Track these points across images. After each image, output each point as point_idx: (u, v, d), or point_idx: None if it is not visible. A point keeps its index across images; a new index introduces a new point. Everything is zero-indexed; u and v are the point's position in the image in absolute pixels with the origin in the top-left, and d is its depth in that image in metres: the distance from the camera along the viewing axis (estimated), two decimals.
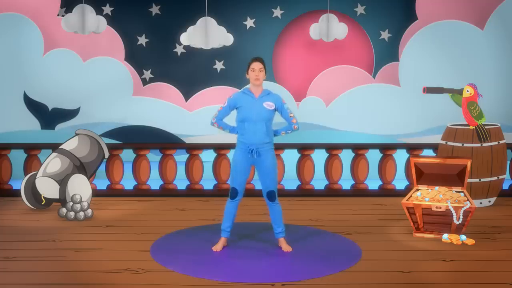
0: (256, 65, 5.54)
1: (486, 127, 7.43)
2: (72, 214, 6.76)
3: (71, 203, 6.77)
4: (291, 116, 5.62)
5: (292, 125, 5.64)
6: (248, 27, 9.73)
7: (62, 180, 6.96)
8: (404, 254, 5.57)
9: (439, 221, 6.07)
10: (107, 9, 9.60)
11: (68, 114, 9.70)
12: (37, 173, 7.19)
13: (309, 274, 4.98)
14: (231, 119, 5.76)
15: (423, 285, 4.79)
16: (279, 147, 7.59)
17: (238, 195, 5.62)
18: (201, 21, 8.22)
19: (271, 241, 5.81)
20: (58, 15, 9.53)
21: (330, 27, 8.49)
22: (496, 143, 7.39)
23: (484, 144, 7.31)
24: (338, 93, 9.75)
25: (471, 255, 5.53)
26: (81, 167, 7.21)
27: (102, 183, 8.13)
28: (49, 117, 9.69)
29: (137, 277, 4.93)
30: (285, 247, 5.65)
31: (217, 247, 5.66)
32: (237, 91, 9.63)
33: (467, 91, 7.42)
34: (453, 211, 5.97)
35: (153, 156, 8.48)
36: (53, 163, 7.10)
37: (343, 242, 5.92)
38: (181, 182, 8.17)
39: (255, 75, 5.53)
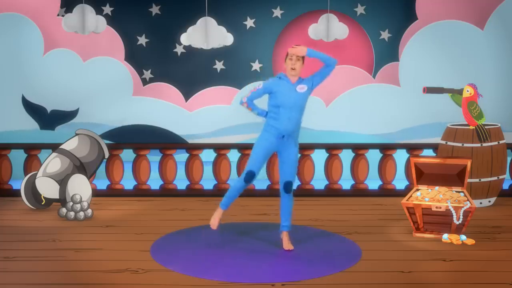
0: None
1: (486, 127, 7.42)
2: (72, 214, 6.75)
3: (71, 203, 6.76)
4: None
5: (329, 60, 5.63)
6: (248, 27, 9.74)
7: (62, 180, 6.95)
8: (404, 254, 5.57)
9: (439, 221, 6.07)
10: (107, 9, 9.61)
11: (67, 116, 9.70)
12: (37, 173, 7.18)
13: (309, 274, 4.98)
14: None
15: (423, 285, 4.79)
16: None
17: (253, 179, 5.51)
18: (201, 21, 8.23)
19: (271, 241, 5.81)
20: (58, 15, 9.53)
21: (330, 27, 8.50)
22: (496, 143, 7.38)
23: (484, 144, 7.31)
24: (338, 93, 9.75)
25: (471, 255, 5.53)
26: (81, 167, 7.20)
27: (102, 183, 8.12)
28: (48, 119, 9.68)
29: (137, 277, 4.93)
30: (286, 243, 5.60)
31: (214, 222, 5.58)
32: (237, 91, 9.82)
33: (467, 91, 7.42)
34: (453, 211, 5.97)
35: (153, 156, 8.48)
36: (53, 163, 7.10)
37: (343, 242, 5.92)
38: (181, 182, 8.16)
39: (292, 63, 5.42)
